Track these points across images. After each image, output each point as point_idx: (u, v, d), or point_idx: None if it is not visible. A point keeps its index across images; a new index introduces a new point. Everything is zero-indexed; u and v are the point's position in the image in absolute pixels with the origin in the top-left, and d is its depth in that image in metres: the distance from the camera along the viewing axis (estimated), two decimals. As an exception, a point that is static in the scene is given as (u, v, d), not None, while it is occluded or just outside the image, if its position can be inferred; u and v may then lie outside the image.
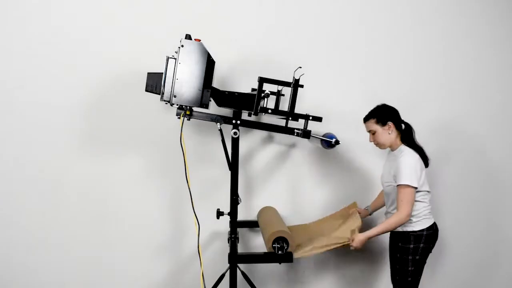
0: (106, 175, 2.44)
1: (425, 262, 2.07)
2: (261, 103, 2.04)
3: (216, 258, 2.53)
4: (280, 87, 2.19)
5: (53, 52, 2.35)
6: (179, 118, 1.95)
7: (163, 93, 1.88)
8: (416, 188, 1.96)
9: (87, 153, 2.42)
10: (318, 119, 2.13)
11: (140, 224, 2.49)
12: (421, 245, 2.01)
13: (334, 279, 2.71)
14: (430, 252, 2.08)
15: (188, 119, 2.01)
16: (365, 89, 2.60)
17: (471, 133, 2.71)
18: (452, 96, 2.68)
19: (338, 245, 2.05)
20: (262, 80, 1.99)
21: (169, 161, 2.45)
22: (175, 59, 1.86)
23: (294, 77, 1.99)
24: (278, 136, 2.55)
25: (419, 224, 2.02)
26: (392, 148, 2.12)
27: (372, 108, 2.15)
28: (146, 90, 1.97)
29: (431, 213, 2.08)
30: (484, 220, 2.77)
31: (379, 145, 2.12)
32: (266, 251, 2.01)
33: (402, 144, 2.08)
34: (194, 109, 2.00)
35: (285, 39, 2.52)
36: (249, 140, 2.54)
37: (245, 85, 2.42)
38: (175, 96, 1.86)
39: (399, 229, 2.05)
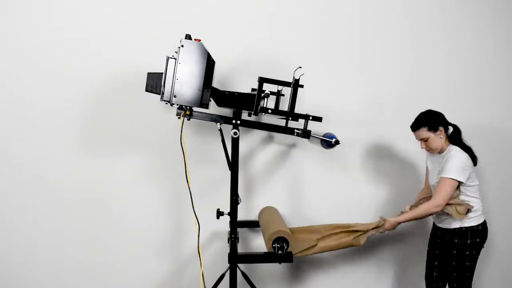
0: (106, 175, 2.44)
1: (478, 257, 2.13)
2: (261, 103, 2.04)
3: (216, 258, 2.53)
4: (280, 87, 2.19)
5: (53, 52, 2.35)
6: (179, 118, 1.95)
7: (163, 93, 1.88)
8: (459, 182, 2.01)
9: (87, 153, 2.42)
10: (318, 119, 2.13)
11: (140, 224, 2.49)
12: (477, 240, 2.09)
13: (334, 279, 2.71)
14: (483, 247, 2.13)
15: (188, 119, 2.01)
16: (365, 89, 2.61)
17: (471, 134, 2.71)
18: (452, 96, 2.68)
19: (343, 243, 2.09)
20: (262, 80, 1.99)
21: (169, 161, 2.45)
22: (175, 59, 1.86)
23: (294, 77, 1.99)
24: (278, 136, 2.55)
25: (475, 220, 2.09)
26: (441, 151, 2.15)
27: (417, 115, 2.17)
28: (146, 90, 1.97)
29: (482, 210, 2.14)
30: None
31: (431, 150, 2.16)
32: (266, 251, 2.01)
33: (450, 145, 2.13)
34: (194, 109, 2.00)
35: (285, 39, 2.52)
36: (249, 140, 2.54)
37: (245, 85, 2.41)
38: (175, 96, 1.86)
39: (456, 226, 2.11)
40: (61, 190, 2.41)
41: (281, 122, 2.21)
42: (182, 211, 2.50)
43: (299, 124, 2.17)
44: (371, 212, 2.62)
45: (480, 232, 2.10)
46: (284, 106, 2.19)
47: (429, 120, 2.11)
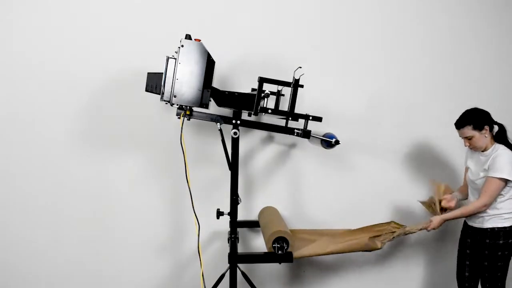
0: (106, 175, 2.43)
1: (511, 258, 2.12)
2: (261, 103, 2.04)
3: (216, 258, 2.53)
4: (280, 87, 2.19)
5: (53, 52, 2.34)
6: (179, 118, 1.95)
7: (163, 93, 1.88)
8: (507, 181, 2.00)
9: (86, 153, 2.42)
10: (318, 119, 2.13)
11: (140, 224, 2.49)
12: (510, 240, 2.06)
13: (334, 279, 2.71)
14: None
15: (188, 119, 2.01)
16: (365, 89, 2.61)
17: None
18: (451, 96, 2.68)
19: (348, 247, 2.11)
20: (262, 80, 1.99)
21: (169, 161, 2.45)
22: (175, 59, 1.86)
23: (294, 77, 1.99)
24: (278, 136, 2.55)
25: (508, 221, 2.07)
26: (485, 149, 2.12)
27: (460, 114, 2.14)
28: (146, 90, 1.97)
29: None
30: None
31: (476, 149, 2.14)
32: (266, 251, 2.01)
33: (496, 143, 2.11)
34: (194, 109, 2.00)
35: (285, 39, 2.52)
36: (249, 140, 2.54)
37: (245, 85, 2.42)
38: (175, 96, 1.86)
39: (488, 225, 2.10)
40: (61, 190, 2.41)
41: (281, 122, 2.21)
42: (182, 211, 2.50)
43: (299, 124, 2.17)
44: (371, 212, 2.62)
45: None
46: (284, 106, 2.19)
47: (474, 119, 2.07)
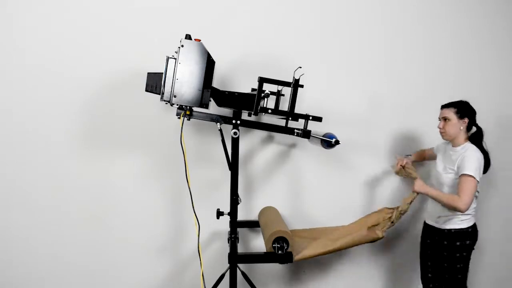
0: (106, 175, 2.43)
1: (469, 259, 2.13)
2: (261, 103, 2.04)
3: (216, 258, 2.53)
4: (280, 87, 2.19)
5: (53, 52, 2.34)
6: (179, 118, 1.95)
7: (163, 93, 1.88)
8: (478, 182, 2.00)
9: (87, 154, 2.42)
10: (318, 119, 2.13)
11: (140, 224, 2.49)
12: (467, 242, 2.09)
13: (334, 279, 2.71)
14: (473, 249, 2.13)
15: (188, 119, 2.00)
16: (365, 89, 2.61)
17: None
18: (451, 96, 2.68)
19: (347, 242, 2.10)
20: (262, 80, 1.99)
21: (169, 161, 2.45)
22: (175, 59, 1.86)
23: (294, 77, 1.99)
24: (278, 136, 2.55)
25: (465, 222, 2.09)
26: (455, 143, 2.15)
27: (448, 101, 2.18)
28: (146, 90, 1.97)
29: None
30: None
31: (445, 133, 2.15)
32: (266, 251, 2.01)
33: (469, 142, 2.12)
34: (194, 109, 2.00)
35: (285, 39, 2.52)
36: (249, 140, 2.54)
37: (245, 85, 2.42)
38: (175, 96, 1.86)
39: (446, 227, 2.12)
40: (61, 190, 2.41)
41: (281, 122, 2.21)
42: (182, 211, 2.50)
43: (299, 124, 2.17)
44: (371, 212, 2.61)
45: (469, 234, 2.09)
46: (284, 106, 2.20)
47: (461, 106, 2.12)
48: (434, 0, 2.65)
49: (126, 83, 2.39)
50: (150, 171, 2.47)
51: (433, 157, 2.38)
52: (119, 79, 2.40)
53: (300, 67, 2.00)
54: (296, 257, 2.02)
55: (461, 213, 2.06)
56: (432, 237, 2.23)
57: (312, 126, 2.16)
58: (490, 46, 2.72)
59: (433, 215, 2.21)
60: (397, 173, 2.39)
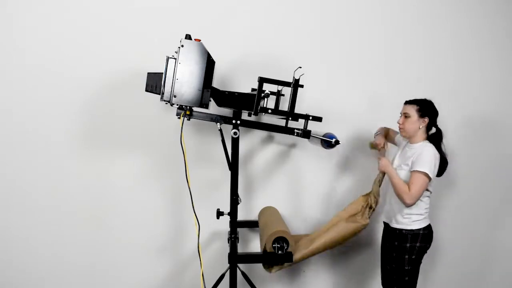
0: (106, 175, 2.43)
1: (420, 262, 2.09)
2: (261, 103, 2.04)
3: (216, 258, 2.53)
4: (280, 87, 2.19)
5: (53, 52, 2.34)
6: (179, 118, 1.95)
7: (163, 93, 1.88)
8: (430, 180, 1.98)
9: (87, 154, 2.42)
10: (318, 119, 2.13)
11: (140, 224, 2.49)
12: (418, 244, 2.03)
13: (333, 279, 2.71)
14: (426, 252, 2.09)
15: (188, 119, 2.00)
16: (365, 89, 2.61)
17: (471, 136, 2.71)
18: (451, 96, 2.69)
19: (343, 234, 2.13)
20: (262, 80, 1.98)
21: (169, 161, 2.45)
22: (175, 59, 1.86)
23: (294, 77, 1.99)
24: (278, 136, 2.55)
25: (417, 223, 2.05)
26: (412, 141, 2.12)
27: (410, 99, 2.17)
28: (146, 90, 1.97)
29: (428, 214, 2.10)
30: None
31: (403, 130, 2.12)
32: (266, 250, 2.01)
33: (427, 141, 2.10)
34: (194, 109, 2.00)
35: (285, 39, 2.52)
36: (249, 140, 2.54)
37: (245, 85, 2.42)
38: (175, 96, 1.86)
39: (396, 226, 2.08)
40: (61, 190, 2.41)
41: (281, 122, 2.21)
42: (182, 211, 2.50)
43: (299, 124, 2.17)
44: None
45: (421, 237, 2.04)
46: (284, 106, 2.19)
47: (423, 105, 2.08)
48: (434, 0, 2.65)
49: (126, 83, 2.39)
50: (150, 171, 2.47)
51: (391, 141, 2.39)
52: (119, 79, 2.40)
53: (300, 67, 2.00)
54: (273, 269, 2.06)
55: (415, 213, 2.03)
56: (386, 235, 2.20)
57: (312, 126, 2.16)
58: (490, 46, 2.72)
59: (389, 213, 2.17)
60: (372, 148, 2.46)
